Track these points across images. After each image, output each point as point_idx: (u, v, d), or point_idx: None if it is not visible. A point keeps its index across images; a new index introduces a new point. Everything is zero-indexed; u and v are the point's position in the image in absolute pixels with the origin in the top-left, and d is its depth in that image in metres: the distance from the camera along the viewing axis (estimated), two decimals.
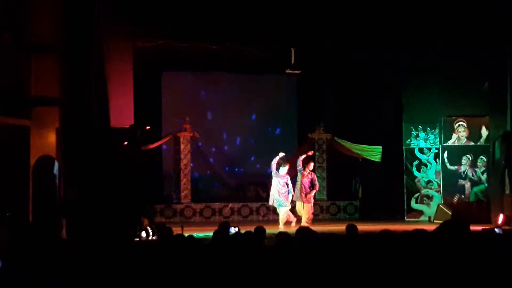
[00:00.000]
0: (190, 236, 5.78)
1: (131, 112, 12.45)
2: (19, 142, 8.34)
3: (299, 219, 12.77)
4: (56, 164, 8.69)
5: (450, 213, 13.41)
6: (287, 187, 12.53)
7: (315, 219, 13.46)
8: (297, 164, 12.81)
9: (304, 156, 13.02)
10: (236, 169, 17.23)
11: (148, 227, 9.80)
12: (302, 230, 6.18)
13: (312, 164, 13.05)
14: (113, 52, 11.59)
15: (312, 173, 12.98)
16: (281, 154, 12.80)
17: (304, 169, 12.77)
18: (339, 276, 4.40)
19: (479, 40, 13.47)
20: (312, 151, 13.67)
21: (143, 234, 9.66)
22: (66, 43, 9.01)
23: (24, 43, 8.30)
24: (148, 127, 11.38)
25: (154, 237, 9.55)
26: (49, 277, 4.64)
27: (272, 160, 12.75)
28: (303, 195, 12.63)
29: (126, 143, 9.83)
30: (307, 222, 12.42)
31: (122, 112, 11.79)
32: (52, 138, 8.81)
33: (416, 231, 4.74)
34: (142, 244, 8.93)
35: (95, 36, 9.75)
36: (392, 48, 14.14)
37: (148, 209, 13.32)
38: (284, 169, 12.60)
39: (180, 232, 8.71)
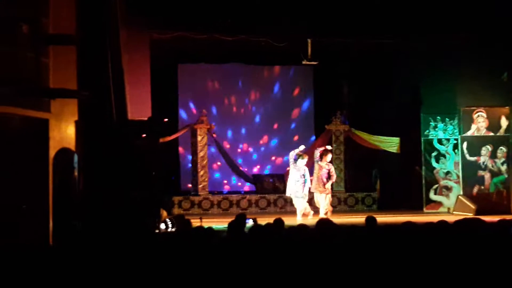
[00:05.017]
0: (210, 228, 5.77)
1: (149, 104, 12.45)
2: (38, 135, 8.36)
3: (316, 211, 12.74)
4: (76, 157, 8.71)
5: (470, 204, 13.36)
6: (304, 178, 12.51)
7: (333, 210, 13.40)
8: (315, 155, 12.83)
9: (322, 148, 13.03)
10: (253, 161, 17.21)
11: (167, 219, 9.82)
12: (322, 222, 6.13)
13: (330, 156, 13.01)
14: (130, 44, 11.59)
15: (330, 164, 12.94)
16: (302, 147, 12.83)
17: (321, 160, 12.75)
18: (360, 268, 4.35)
19: (498, 28, 13.31)
20: (331, 147, 13.62)
21: (162, 226, 9.68)
22: (83, 35, 9.00)
23: (42, 35, 8.29)
24: (166, 119, 11.39)
25: (173, 229, 9.57)
26: (66, 269, 4.64)
27: (291, 152, 12.77)
28: (321, 186, 12.62)
29: (144, 135, 9.84)
30: (325, 214, 12.39)
31: (140, 104, 11.79)
32: (71, 130, 8.82)
33: (439, 222, 4.67)
34: (162, 235, 8.95)
35: (112, 28, 9.73)
36: (410, 37, 13.98)
37: (167, 201, 13.35)
38: (303, 161, 12.59)
39: (199, 223, 8.73)
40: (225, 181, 16.85)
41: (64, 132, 8.77)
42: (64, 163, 8.62)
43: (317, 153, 12.85)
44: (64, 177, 8.61)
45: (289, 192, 12.73)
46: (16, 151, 8.09)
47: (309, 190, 12.68)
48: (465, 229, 4.17)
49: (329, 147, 13.33)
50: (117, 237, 7.43)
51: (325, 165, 12.74)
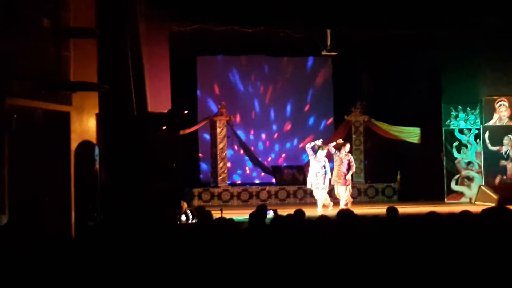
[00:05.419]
0: (231, 219, 5.77)
1: (168, 96, 12.48)
2: (60, 128, 8.44)
3: (336, 202, 12.72)
4: (97, 149, 8.78)
5: (492, 194, 13.22)
6: (324, 169, 12.50)
7: (353, 201, 13.37)
8: (330, 150, 12.73)
9: (334, 143, 12.92)
10: (272, 152, 17.20)
11: (187, 211, 9.87)
12: (344, 213, 6.10)
13: (348, 146, 12.99)
14: (149, 37, 11.62)
15: (349, 154, 12.93)
16: (318, 142, 12.75)
17: (340, 152, 12.72)
18: (384, 260, 4.32)
19: None
20: (341, 140, 13.40)
21: (183, 217, 9.73)
22: (103, 28, 9.05)
23: (63, 28, 8.34)
24: (186, 112, 11.43)
25: (193, 221, 9.61)
26: (88, 261, 4.67)
27: (307, 145, 12.75)
28: (341, 178, 12.60)
29: (165, 127, 9.89)
30: (345, 205, 12.36)
31: (160, 97, 11.83)
32: (92, 123, 8.89)
33: (462, 213, 4.62)
34: (183, 227, 8.99)
35: (132, 20, 9.77)
36: (430, 26, 13.82)
37: (187, 192, 13.42)
38: (323, 153, 12.56)
39: (220, 215, 8.74)
40: (245, 173, 16.87)
41: (85, 125, 8.84)
42: (85, 156, 8.70)
43: (331, 148, 12.76)
44: (85, 169, 8.68)
45: (309, 184, 12.71)
46: (39, 144, 8.17)
47: (330, 181, 12.67)
48: (493, 218, 4.12)
49: (341, 141, 13.15)
50: (138, 229, 7.48)
51: (344, 156, 12.73)
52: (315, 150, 12.60)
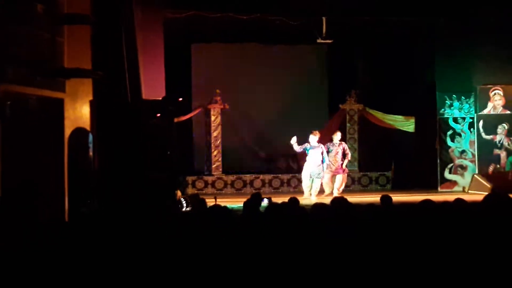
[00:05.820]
0: (225, 207, 5.77)
1: (163, 84, 12.41)
2: (54, 115, 8.40)
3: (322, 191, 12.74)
4: (90, 136, 8.75)
5: (485, 183, 13.27)
6: (322, 156, 12.48)
7: (346, 190, 13.40)
8: (323, 153, 12.57)
9: (325, 149, 12.69)
10: (266, 141, 17.16)
11: (181, 199, 9.86)
12: (338, 200, 6.10)
13: (339, 134, 12.99)
14: (144, 23, 11.55)
15: (342, 142, 12.96)
16: (294, 139, 12.59)
17: (332, 143, 12.73)
18: (379, 247, 4.33)
19: None
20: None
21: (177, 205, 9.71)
22: (97, 14, 8.99)
23: (57, 14, 8.28)
24: (180, 99, 11.40)
25: (187, 209, 9.60)
26: (81, 248, 4.65)
27: (294, 147, 12.61)
28: (338, 167, 12.65)
29: (159, 115, 9.86)
30: (338, 194, 12.40)
31: (154, 84, 11.78)
32: (86, 110, 8.86)
33: (458, 200, 4.62)
34: (177, 215, 8.97)
35: (126, 7, 9.71)
36: (426, 15, 13.81)
37: (181, 180, 13.40)
38: (315, 139, 12.51)
39: (214, 203, 8.74)
40: (239, 161, 16.83)
41: (79, 112, 8.81)
42: (79, 143, 8.67)
43: (324, 150, 12.63)
44: (79, 156, 8.66)
45: (307, 174, 12.60)
46: (32, 130, 8.13)
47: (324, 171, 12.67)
48: (495, 205, 4.12)
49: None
50: (133, 217, 7.47)
51: (338, 146, 12.76)
52: (307, 140, 12.54)
